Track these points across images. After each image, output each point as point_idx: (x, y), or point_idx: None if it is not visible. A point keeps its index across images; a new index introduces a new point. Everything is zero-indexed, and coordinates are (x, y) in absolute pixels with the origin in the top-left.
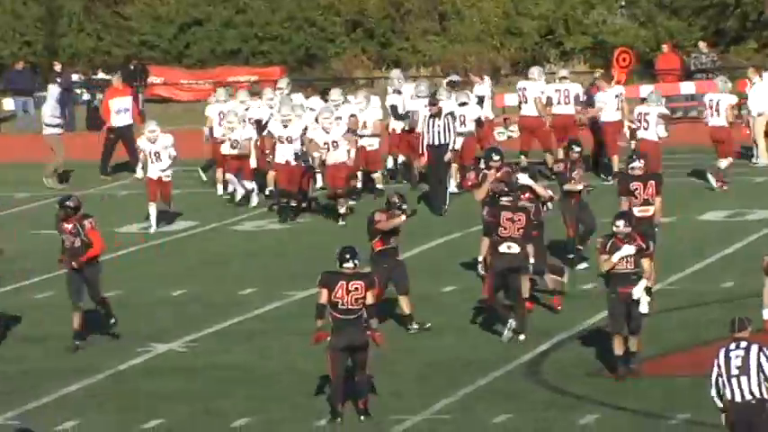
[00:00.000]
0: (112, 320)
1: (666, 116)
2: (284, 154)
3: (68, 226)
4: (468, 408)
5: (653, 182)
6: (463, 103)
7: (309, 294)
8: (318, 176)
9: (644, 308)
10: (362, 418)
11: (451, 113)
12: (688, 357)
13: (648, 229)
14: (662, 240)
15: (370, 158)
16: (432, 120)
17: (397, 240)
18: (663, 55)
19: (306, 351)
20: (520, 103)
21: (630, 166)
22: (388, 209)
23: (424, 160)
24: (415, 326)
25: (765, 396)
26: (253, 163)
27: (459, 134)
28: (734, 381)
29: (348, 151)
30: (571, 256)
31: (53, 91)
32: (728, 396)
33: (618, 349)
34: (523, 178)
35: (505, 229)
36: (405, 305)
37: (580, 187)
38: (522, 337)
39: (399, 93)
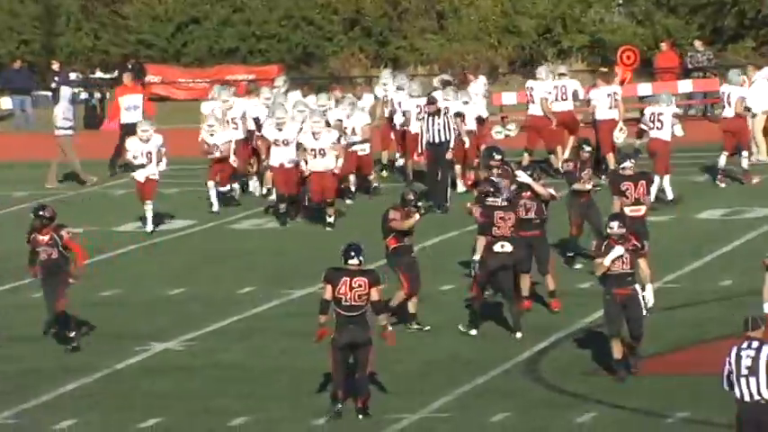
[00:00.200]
0: (72, 333)
1: (679, 115)
2: (279, 157)
3: (44, 238)
4: (466, 406)
5: (644, 181)
6: (464, 102)
7: (308, 293)
8: None
9: (644, 308)
10: (361, 417)
11: (459, 113)
12: (686, 356)
13: (641, 228)
14: (660, 239)
15: (362, 163)
16: (431, 118)
17: (411, 239)
18: (662, 53)
19: (304, 349)
20: (528, 102)
21: (621, 165)
22: (403, 206)
23: (421, 159)
24: (416, 326)
25: None
26: (234, 162)
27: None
28: (743, 380)
29: (336, 158)
30: (571, 254)
31: (65, 92)
32: (738, 395)
33: (617, 353)
34: (522, 176)
35: (498, 228)
36: (411, 304)
37: (589, 187)
38: (518, 335)
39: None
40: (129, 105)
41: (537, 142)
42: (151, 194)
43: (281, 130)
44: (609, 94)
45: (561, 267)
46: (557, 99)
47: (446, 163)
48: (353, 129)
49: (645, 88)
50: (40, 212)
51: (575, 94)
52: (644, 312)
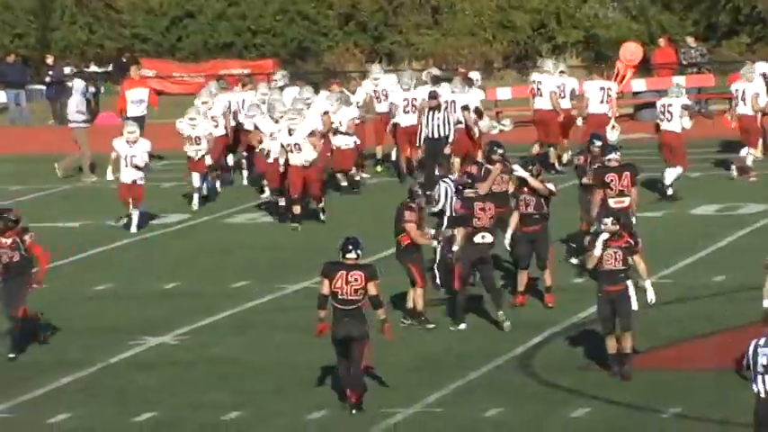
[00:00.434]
0: (16, 342)
1: (689, 107)
2: (273, 153)
3: (7, 240)
4: (459, 401)
5: (628, 173)
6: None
7: (302, 287)
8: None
9: (634, 304)
10: (353, 411)
11: (465, 106)
12: (679, 351)
13: (626, 220)
14: (653, 234)
15: (343, 157)
16: (431, 113)
17: None
18: (660, 49)
19: (298, 344)
20: (534, 95)
21: (607, 157)
22: (412, 200)
23: (417, 152)
24: (409, 321)
25: None
26: (208, 159)
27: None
28: (759, 377)
29: (316, 150)
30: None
31: (78, 85)
32: (755, 390)
33: (611, 348)
34: (519, 171)
35: (479, 219)
36: (416, 300)
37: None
38: (507, 324)
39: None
40: (136, 99)
41: (546, 135)
42: (140, 201)
43: (277, 122)
44: (602, 88)
45: (556, 263)
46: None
47: (444, 157)
48: (340, 122)
49: (639, 84)
50: (4, 214)
51: (572, 93)
52: (636, 307)
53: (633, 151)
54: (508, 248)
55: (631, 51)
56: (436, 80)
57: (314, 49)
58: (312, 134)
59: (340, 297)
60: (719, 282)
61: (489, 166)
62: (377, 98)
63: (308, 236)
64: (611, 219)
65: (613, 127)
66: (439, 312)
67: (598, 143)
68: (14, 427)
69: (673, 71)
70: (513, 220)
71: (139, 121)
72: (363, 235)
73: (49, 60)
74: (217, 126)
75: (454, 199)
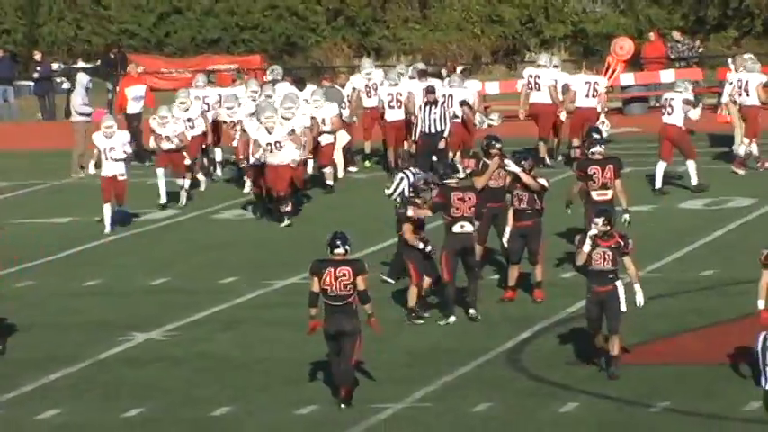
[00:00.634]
0: None
1: (691, 102)
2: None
3: None
4: (448, 396)
5: (611, 166)
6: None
7: (291, 283)
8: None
9: (623, 305)
10: (342, 406)
11: (464, 101)
12: (668, 345)
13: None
14: (642, 228)
15: (323, 153)
16: (428, 107)
17: (423, 232)
18: (650, 43)
19: (287, 339)
20: (531, 89)
21: (591, 150)
22: (417, 196)
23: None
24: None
25: None
26: (187, 161)
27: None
28: (767, 369)
29: (300, 147)
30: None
31: (82, 79)
32: (762, 383)
33: (598, 343)
34: (511, 166)
35: (457, 209)
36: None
37: None
38: (472, 311)
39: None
40: (136, 96)
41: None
42: (122, 198)
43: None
44: (587, 82)
45: (546, 258)
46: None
47: (439, 153)
48: (323, 120)
49: (627, 78)
50: None
51: (564, 88)
52: (625, 308)
53: (621, 145)
54: (506, 245)
55: (622, 46)
56: (423, 74)
57: (301, 44)
58: (293, 132)
59: (330, 293)
60: (708, 276)
61: (487, 161)
62: (367, 93)
63: (297, 231)
64: (603, 219)
65: (603, 122)
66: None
67: (596, 136)
68: (2, 424)
69: (662, 65)
70: (510, 215)
71: (137, 117)
72: (352, 230)
73: (37, 56)
74: (194, 127)
75: (406, 191)
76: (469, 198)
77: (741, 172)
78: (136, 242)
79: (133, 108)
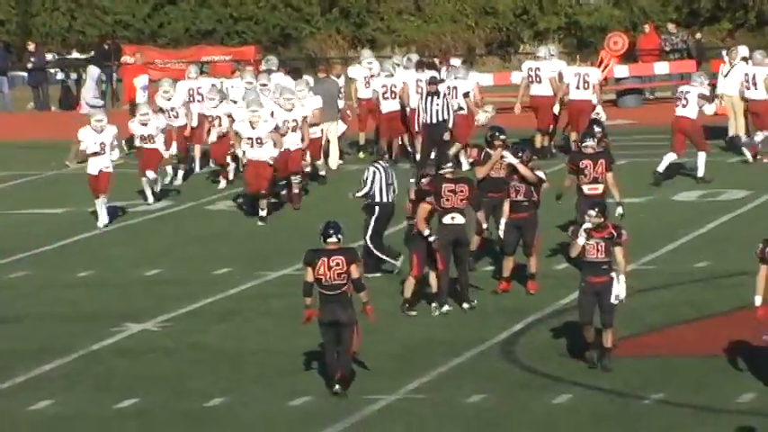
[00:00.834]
0: None
1: (707, 96)
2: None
3: None
4: (442, 388)
5: (602, 160)
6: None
7: (284, 274)
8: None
9: (614, 298)
10: (337, 387)
11: (467, 93)
12: (661, 337)
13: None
14: (635, 220)
15: (311, 146)
16: (430, 98)
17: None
18: (645, 35)
19: (281, 331)
20: (531, 82)
21: (583, 144)
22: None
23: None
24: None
25: None
26: (166, 154)
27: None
28: None
29: (278, 147)
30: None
31: (93, 72)
32: None
33: (588, 338)
34: (509, 158)
35: (448, 200)
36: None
37: None
38: (465, 305)
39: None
40: (143, 85)
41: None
42: (105, 187)
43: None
44: (576, 74)
45: (539, 249)
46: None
47: (444, 144)
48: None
49: (622, 70)
50: None
51: (558, 76)
52: (613, 300)
53: (615, 137)
54: (502, 236)
55: (616, 42)
56: (421, 65)
57: (296, 35)
58: (276, 129)
59: (324, 283)
60: (702, 268)
61: (490, 151)
62: (366, 83)
63: (290, 222)
64: (596, 211)
65: (597, 114)
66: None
67: (598, 129)
68: None
69: (657, 57)
70: (506, 207)
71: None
72: (345, 221)
73: (31, 47)
74: (177, 117)
75: (382, 184)
76: (461, 190)
77: (766, 160)
78: (130, 233)
79: (141, 98)
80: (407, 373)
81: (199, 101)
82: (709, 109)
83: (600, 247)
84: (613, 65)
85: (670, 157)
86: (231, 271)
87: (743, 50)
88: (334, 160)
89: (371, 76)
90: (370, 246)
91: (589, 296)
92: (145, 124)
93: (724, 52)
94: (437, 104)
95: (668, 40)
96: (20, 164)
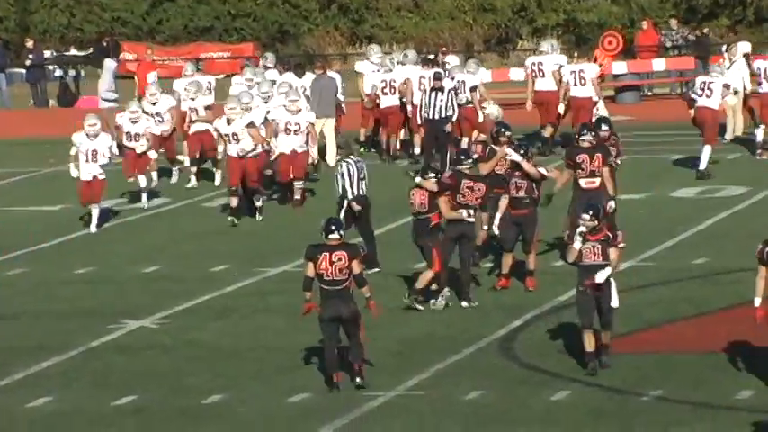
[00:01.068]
0: None
1: (729, 86)
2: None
3: None
4: (441, 384)
5: (599, 154)
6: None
7: (282, 271)
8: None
9: (614, 302)
10: (357, 380)
11: (474, 87)
12: (660, 334)
13: (597, 201)
14: (634, 217)
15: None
16: (433, 93)
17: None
18: (643, 32)
19: (279, 327)
20: (534, 77)
21: (581, 138)
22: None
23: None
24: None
25: None
26: (153, 155)
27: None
28: None
29: (255, 141)
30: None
31: (110, 65)
32: None
33: (588, 346)
34: (513, 155)
35: (464, 196)
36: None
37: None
38: (464, 304)
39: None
40: (153, 81)
41: (548, 117)
42: (98, 197)
43: (230, 121)
44: (572, 72)
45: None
46: (543, 77)
47: (446, 136)
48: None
49: (620, 67)
50: None
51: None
52: (617, 304)
53: None
54: (496, 232)
55: (611, 41)
56: (427, 62)
57: (294, 32)
58: (252, 125)
59: (326, 278)
60: (701, 264)
61: (495, 147)
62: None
63: (288, 219)
64: (590, 214)
65: (598, 109)
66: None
67: (605, 127)
68: None
69: (655, 54)
70: (503, 203)
71: None
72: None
73: (29, 44)
74: (162, 122)
75: (353, 180)
76: (479, 189)
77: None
78: (127, 230)
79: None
80: (406, 369)
81: (192, 98)
82: (732, 100)
83: (596, 251)
84: (608, 63)
85: (707, 150)
86: (229, 268)
87: (744, 46)
88: (332, 157)
89: (378, 71)
90: None
91: (588, 297)
92: (135, 122)
93: (724, 48)
94: (441, 100)
95: (669, 36)
96: (18, 161)
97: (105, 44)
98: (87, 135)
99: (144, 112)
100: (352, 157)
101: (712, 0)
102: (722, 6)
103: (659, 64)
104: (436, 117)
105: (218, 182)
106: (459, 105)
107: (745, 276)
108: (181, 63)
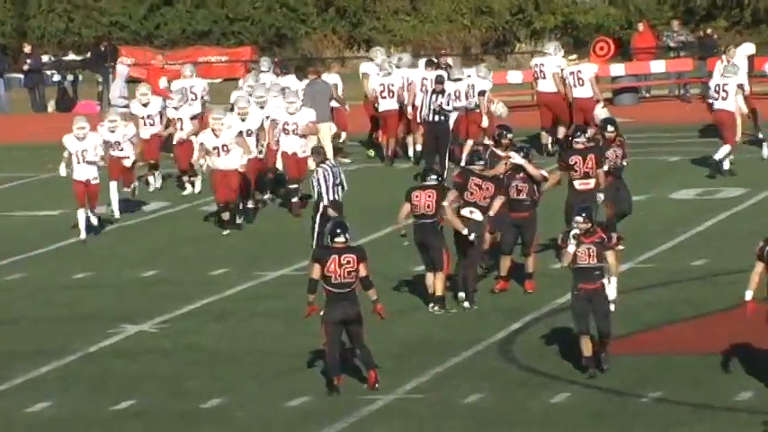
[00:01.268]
0: None
1: (743, 86)
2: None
3: None
4: (440, 387)
5: (592, 155)
6: (457, 79)
7: (281, 275)
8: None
9: (612, 294)
10: (377, 387)
11: (482, 91)
12: (660, 335)
13: (591, 203)
14: (633, 218)
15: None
16: (434, 96)
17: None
18: (639, 34)
19: (278, 331)
20: (536, 78)
21: (575, 139)
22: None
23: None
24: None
25: None
26: (128, 162)
27: (456, 109)
28: None
29: (248, 151)
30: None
31: (122, 70)
32: None
33: (586, 351)
34: (516, 158)
35: (472, 194)
36: (439, 284)
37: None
38: (461, 294)
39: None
40: (164, 86)
41: (550, 119)
42: (93, 203)
43: (244, 120)
44: (571, 73)
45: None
46: (545, 78)
47: (445, 138)
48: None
49: (618, 69)
50: None
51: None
52: (612, 308)
53: None
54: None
55: (602, 47)
56: (430, 64)
57: (292, 36)
58: (240, 135)
59: (333, 281)
60: (700, 265)
61: (496, 150)
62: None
63: (287, 224)
64: (583, 217)
65: (602, 106)
66: (416, 298)
67: (611, 129)
68: None
69: (652, 56)
70: (497, 204)
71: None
72: (346, 220)
73: (27, 49)
74: (153, 124)
75: (330, 184)
76: (487, 188)
77: None
78: (125, 234)
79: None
80: (405, 372)
81: (192, 100)
82: (741, 101)
83: (591, 253)
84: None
85: (725, 150)
86: (227, 272)
87: (748, 48)
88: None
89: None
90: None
91: (582, 302)
92: (113, 131)
93: (732, 48)
94: (441, 103)
95: (671, 37)
96: (16, 166)
97: (103, 49)
98: (77, 138)
99: (131, 115)
100: (327, 162)
101: (710, 2)
102: (720, 8)
103: (657, 66)
104: (436, 119)
105: (198, 188)
106: (467, 109)
107: (744, 278)
108: (178, 67)
